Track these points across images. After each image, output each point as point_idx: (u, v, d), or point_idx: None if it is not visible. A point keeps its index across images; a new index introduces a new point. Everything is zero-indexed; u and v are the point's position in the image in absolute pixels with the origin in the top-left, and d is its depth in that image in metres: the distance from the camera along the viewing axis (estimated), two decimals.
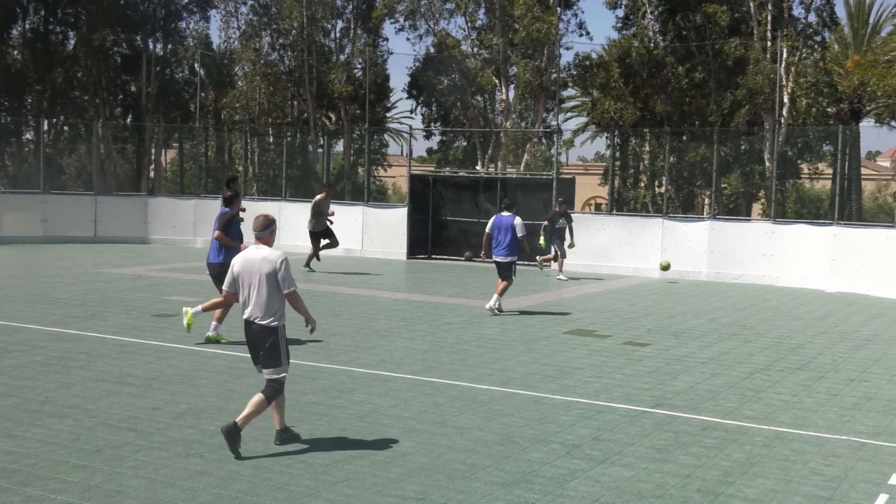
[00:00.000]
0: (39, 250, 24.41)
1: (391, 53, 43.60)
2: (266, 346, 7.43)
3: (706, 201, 32.07)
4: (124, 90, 44.34)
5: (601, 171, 43.37)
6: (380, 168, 52.14)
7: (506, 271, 15.16)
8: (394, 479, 6.86)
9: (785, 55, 30.50)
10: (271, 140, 44.09)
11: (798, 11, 33.23)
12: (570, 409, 9.11)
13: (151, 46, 43.01)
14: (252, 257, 7.57)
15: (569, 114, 48.16)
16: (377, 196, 50.04)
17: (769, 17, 31.59)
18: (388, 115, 50.16)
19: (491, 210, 24.93)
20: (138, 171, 44.05)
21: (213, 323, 12.17)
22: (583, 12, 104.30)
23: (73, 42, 43.26)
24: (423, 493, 6.57)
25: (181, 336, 12.45)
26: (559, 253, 21.27)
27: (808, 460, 7.62)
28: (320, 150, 40.63)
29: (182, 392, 9.37)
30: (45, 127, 39.17)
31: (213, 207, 28.13)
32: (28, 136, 44.42)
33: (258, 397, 7.40)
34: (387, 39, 55.33)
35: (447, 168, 39.23)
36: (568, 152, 55.93)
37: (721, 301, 17.95)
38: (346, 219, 26.03)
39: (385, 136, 51.30)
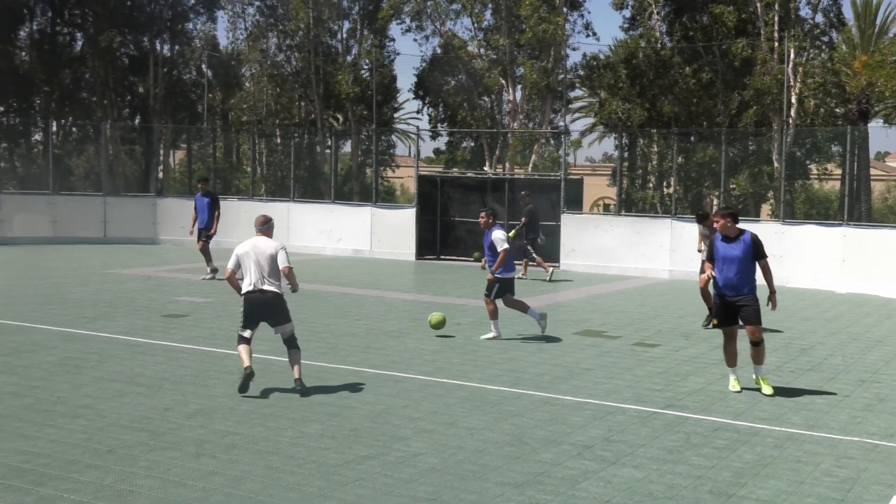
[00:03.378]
0: (49, 251, 24.47)
1: (398, 54, 43.62)
2: (280, 307, 9.56)
3: (715, 202, 32.01)
4: (132, 91, 44.42)
5: (609, 172, 43.36)
6: (387, 169, 52.16)
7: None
8: (405, 479, 6.87)
9: (792, 56, 30.43)
10: (279, 141, 44.14)
11: (805, 12, 33.14)
12: (581, 409, 9.10)
13: (159, 48, 43.08)
14: (258, 244, 9.62)
15: (576, 114, 48.14)
16: (385, 197, 50.06)
17: (776, 18, 31.53)
18: (396, 115, 50.20)
19: (499, 211, 24.95)
20: (147, 172, 44.13)
21: None
22: (589, 13, 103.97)
23: (80, 43, 43.36)
24: (435, 494, 6.57)
25: (191, 336, 12.47)
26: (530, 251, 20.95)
27: (820, 462, 7.60)
28: (328, 150, 40.68)
29: (193, 392, 9.39)
30: (54, 128, 39.24)
31: (223, 208, 28.14)
32: (37, 137, 44.52)
33: (296, 353, 9.55)
34: (393, 40, 55.24)
35: (455, 169, 39.24)
36: (575, 153, 55.86)
37: None
38: (355, 220, 26.07)
39: (392, 136, 51.34)
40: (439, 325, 13.03)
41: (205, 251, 19.54)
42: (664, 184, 34.86)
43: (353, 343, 12.39)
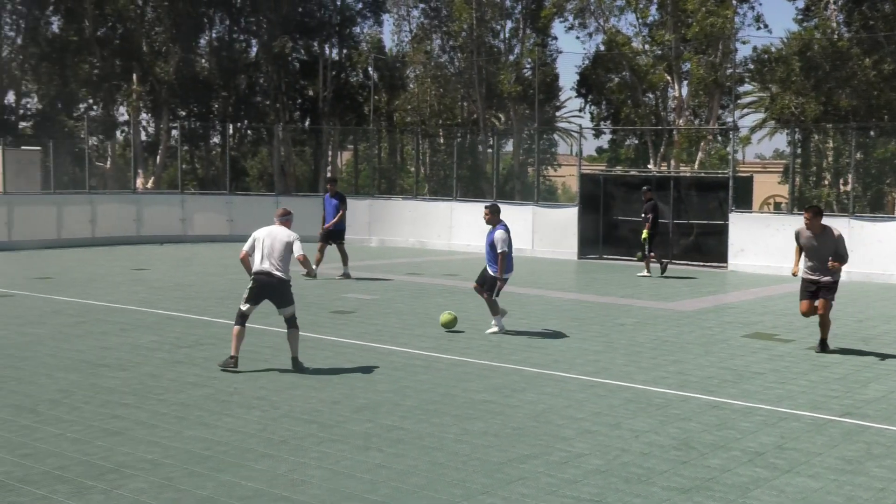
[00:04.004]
0: (226, 248, 25.67)
1: (560, 52, 43.29)
2: (284, 291, 10.35)
3: None
4: (302, 95, 45.97)
5: (780, 169, 41.69)
6: (549, 168, 51.99)
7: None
8: (569, 480, 6.82)
9: None
10: (442, 141, 44.71)
11: None
12: (751, 415, 8.79)
13: (327, 52, 44.44)
14: (274, 231, 10.43)
15: (745, 110, 46.55)
16: (547, 196, 49.85)
17: None
18: (558, 114, 49.95)
19: (664, 210, 24.43)
20: (315, 173, 45.61)
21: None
22: (760, 4, 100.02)
23: (255, 50, 45.28)
24: (600, 496, 6.49)
25: (358, 332, 12.81)
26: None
27: None
28: (490, 150, 40.88)
29: (360, 387, 9.63)
30: (231, 131, 41.13)
31: (387, 207, 28.84)
32: (215, 140, 46.77)
33: (294, 332, 10.39)
34: (556, 38, 55.15)
35: (618, 167, 38.69)
36: (744, 150, 54.09)
37: None
38: (517, 219, 26.07)
39: (554, 135, 51.13)
40: (449, 324, 13.00)
41: (341, 252, 19.56)
42: (840, 181, 33.23)
43: (514, 342, 12.41)
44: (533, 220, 25.78)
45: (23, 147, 32.39)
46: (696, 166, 34.85)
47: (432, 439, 7.75)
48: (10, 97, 47.11)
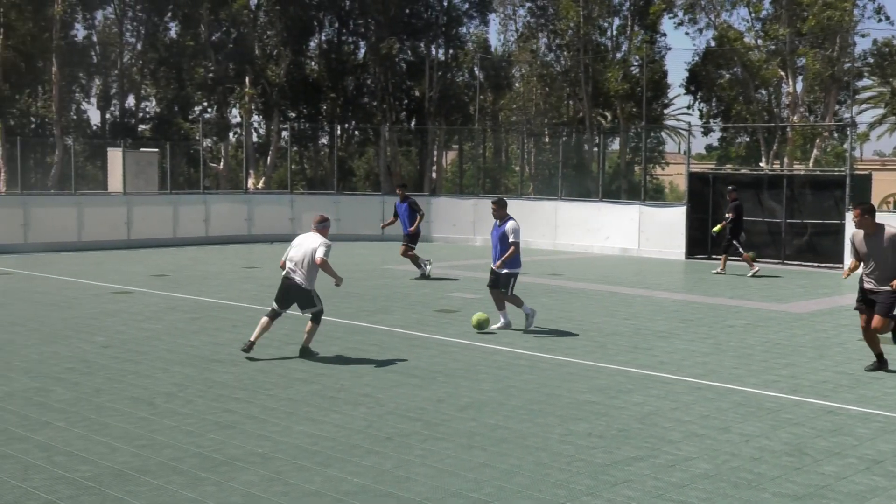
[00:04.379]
0: (333, 247, 26.07)
1: (669, 49, 42.74)
2: (304, 297, 10.67)
3: None
4: (409, 95, 46.40)
5: None
6: (656, 166, 51.19)
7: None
8: (676, 483, 6.70)
9: None
10: (547, 140, 44.52)
11: None
12: (869, 421, 8.47)
13: (434, 52, 44.72)
14: (306, 239, 10.77)
15: (863, 105, 44.92)
16: (654, 195, 49.11)
17: None
18: (666, 112, 49.14)
19: (776, 209, 23.76)
20: (421, 172, 45.97)
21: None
22: None
23: (362, 51, 45.91)
24: (708, 501, 6.36)
25: (462, 331, 12.86)
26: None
27: None
28: (595, 149, 40.50)
29: (464, 386, 9.67)
30: (339, 132, 41.80)
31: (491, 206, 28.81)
32: (323, 140, 47.62)
33: (314, 326, 10.83)
34: (664, 35, 54.29)
35: (728, 165, 37.83)
36: (862, 147, 52.11)
37: None
38: (623, 218, 25.78)
39: (662, 133, 50.30)
40: (480, 325, 12.70)
41: (411, 257, 19.28)
42: None
43: (620, 342, 12.26)
44: (639, 220, 25.41)
45: (142, 149, 33.62)
46: (810, 164, 33.79)
47: (536, 439, 7.73)
48: (131, 101, 48.96)
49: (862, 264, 10.37)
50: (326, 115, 44.88)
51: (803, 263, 22.76)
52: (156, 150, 32.90)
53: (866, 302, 10.38)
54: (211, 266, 21.23)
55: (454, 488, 6.54)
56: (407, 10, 43.43)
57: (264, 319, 10.82)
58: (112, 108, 48.93)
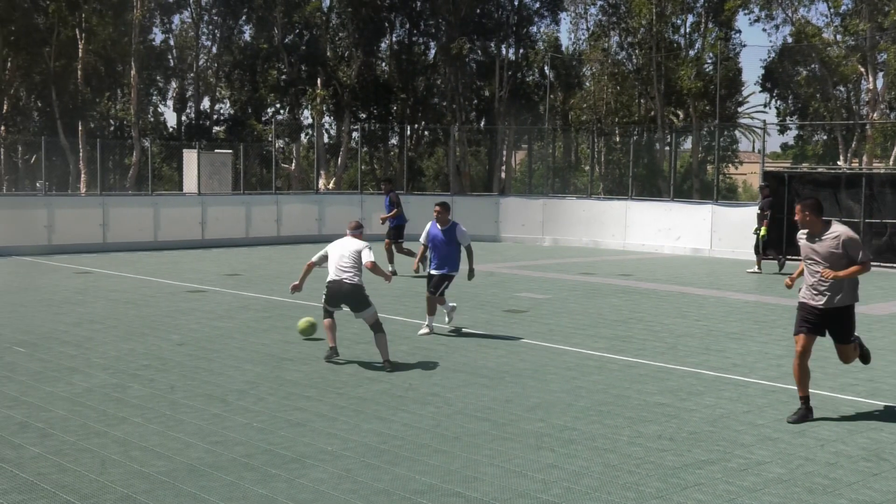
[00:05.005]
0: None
1: (744, 46, 41.84)
2: (358, 296, 10.50)
3: None
4: (478, 95, 46.41)
5: None
6: (730, 165, 50.37)
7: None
8: (748, 488, 6.58)
9: None
10: (617, 139, 44.13)
11: None
12: None
13: (504, 52, 44.64)
14: (346, 243, 10.71)
15: None
16: (727, 194, 48.30)
17: None
18: (740, 110, 48.32)
19: (855, 209, 23.19)
20: (490, 172, 45.94)
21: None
22: None
23: (433, 52, 46.06)
24: None
25: (531, 331, 12.82)
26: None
27: None
28: (667, 148, 40.00)
29: (532, 386, 9.64)
30: (408, 132, 42.02)
31: (561, 206, 28.71)
32: (393, 141, 47.90)
33: (381, 337, 10.50)
34: (739, 32, 53.44)
35: (805, 164, 37.01)
36: None
37: None
38: (695, 218, 25.42)
39: (736, 132, 49.48)
40: (306, 332, 12.17)
41: (391, 250, 20.28)
42: None
43: (691, 344, 12.09)
44: (712, 220, 25.03)
45: (216, 150, 34.25)
46: (891, 162, 32.87)
47: (605, 441, 7.67)
48: (206, 103, 49.93)
49: (805, 272, 8.41)
50: (396, 116, 45.13)
51: (883, 264, 22.17)
52: (230, 151, 33.49)
53: (807, 322, 8.36)
54: (282, 265, 21.52)
55: (522, 489, 6.52)
56: (478, 10, 43.45)
57: (327, 321, 10.80)
58: (188, 111, 50.00)
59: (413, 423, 8.20)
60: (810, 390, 8.52)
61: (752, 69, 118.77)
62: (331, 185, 42.97)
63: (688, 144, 44.22)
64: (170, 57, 49.99)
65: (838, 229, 8.24)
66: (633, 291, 17.40)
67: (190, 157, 31.12)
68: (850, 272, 8.16)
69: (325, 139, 46.94)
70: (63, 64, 42.29)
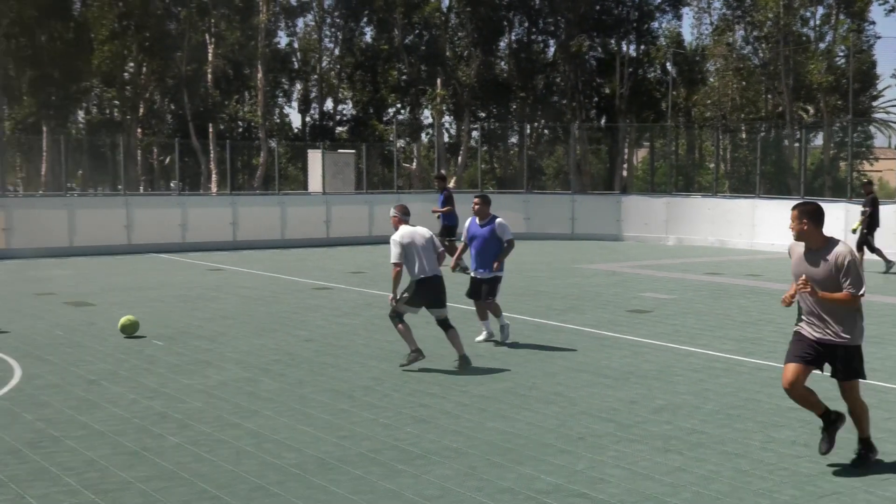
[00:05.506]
0: (522, 247, 26.20)
1: (878, 38, 40.23)
2: (443, 289, 10.19)
3: None
4: (598, 92, 45.96)
5: None
6: (864, 162, 48.41)
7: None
8: (890, 498, 6.31)
9: None
10: (744, 136, 42.98)
11: None
12: None
13: (624, 48, 44.08)
14: (415, 233, 10.14)
15: None
16: (860, 192, 46.39)
17: None
18: (874, 104, 46.37)
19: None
20: (611, 171, 45.43)
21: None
22: None
23: (552, 50, 45.84)
24: None
25: (656, 332, 12.61)
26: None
27: None
28: (796, 144, 38.71)
29: (658, 387, 9.47)
30: (528, 130, 41.93)
31: (685, 205, 28.14)
32: (513, 139, 47.90)
33: (454, 333, 10.21)
34: (873, 23, 51.15)
35: None
36: None
37: None
38: (827, 217, 24.45)
39: (870, 127, 47.51)
40: (126, 329, 11.94)
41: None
42: None
43: None
44: (846, 218, 24.07)
45: (339, 150, 34.92)
46: None
47: (735, 445, 7.47)
48: (329, 104, 50.97)
49: (799, 296, 6.94)
50: (516, 115, 45.12)
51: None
52: (352, 151, 34.09)
53: (802, 353, 6.94)
54: None
55: (650, 492, 6.42)
56: (597, 7, 43.04)
57: (401, 326, 10.20)
58: (312, 112, 51.11)
59: (537, 422, 8.17)
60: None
61: (887, 62, 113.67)
62: (451, 184, 43.27)
63: (818, 140, 42.71)
64: (294, 59, 51.25)
65: (842, 250, 6.76)
66: (761, 292, 16.92)
67: (314, 158, 31.82)
68: (836, 297, 6.69)
69: (445, 138, 47.27)
70: (194, 68, 43.86)
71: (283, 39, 49.52)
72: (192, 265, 21.51)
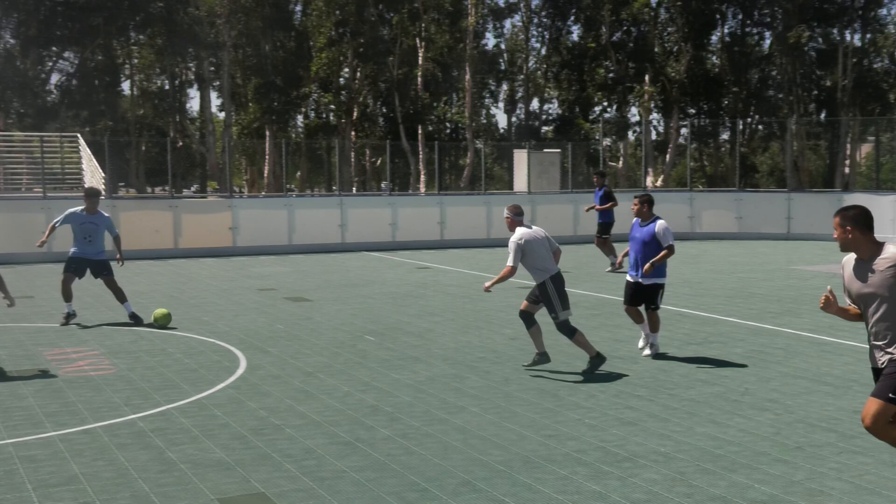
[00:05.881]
0: (734, 246, 25.30)
1: None
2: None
3: None
4: (818, 85, 43.72)
5: None
6: None
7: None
8: None
9: None
10: None
11: None
12: None
13: (848, 38, 41.68)
14: (534, 233, 10.11)
15: None
16: None
17: None
18: None
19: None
20: (831, 167, 43.07)
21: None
22: None
23: (768, 41, 43.99)
24: None
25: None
26: None
27: None
28: None
29: None
30: (741, 127, 40.43)
31: None
32: (724, 136, 46.33)
33: (576, 338, 10.00)
34: None
35: None
36: None
37: None
38: None
39: None
40: (158, 319, 12.74)
41: (607, 247, 20.06)
42: None
43: None
44: None
45: (544, 150, 34.95)
46: None
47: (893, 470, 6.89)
48: (535, 104, 51.16)
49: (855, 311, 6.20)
50: (728, 110, 43.61)
51: None
52: (558, 150, 34.02)
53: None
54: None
55: None
56: None
57: (532, 329, 10.18)
58: (517, 112, 51.48)
59: (750, 429, 7.85)
60: None
61: None
62: (659, 183, 42.36)
63: None
64: (501, 60, 51.77)
65: (893, 250, 5.79)
66: None
67: (520, 157, 32.00)
68: None
69: (653, 136, 46.36)
70: (405, 72, 45.17)
71: (490, 41, 50.09)
72: (400, 263, 22.15)
